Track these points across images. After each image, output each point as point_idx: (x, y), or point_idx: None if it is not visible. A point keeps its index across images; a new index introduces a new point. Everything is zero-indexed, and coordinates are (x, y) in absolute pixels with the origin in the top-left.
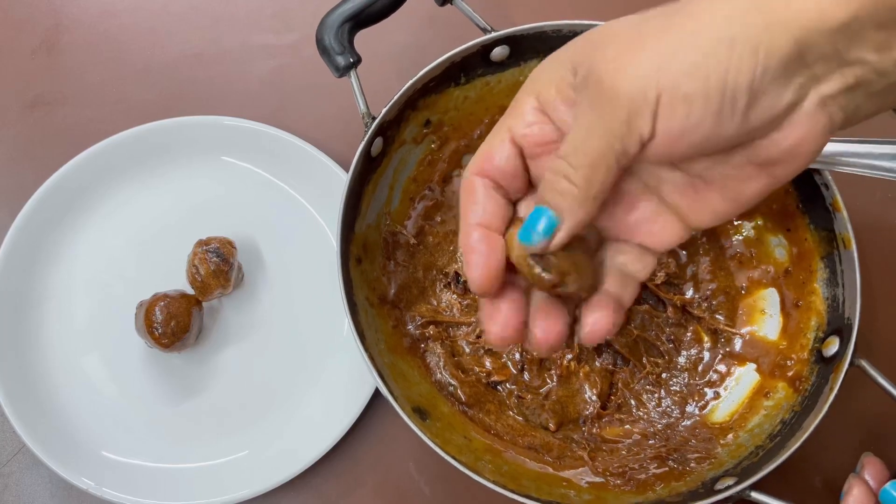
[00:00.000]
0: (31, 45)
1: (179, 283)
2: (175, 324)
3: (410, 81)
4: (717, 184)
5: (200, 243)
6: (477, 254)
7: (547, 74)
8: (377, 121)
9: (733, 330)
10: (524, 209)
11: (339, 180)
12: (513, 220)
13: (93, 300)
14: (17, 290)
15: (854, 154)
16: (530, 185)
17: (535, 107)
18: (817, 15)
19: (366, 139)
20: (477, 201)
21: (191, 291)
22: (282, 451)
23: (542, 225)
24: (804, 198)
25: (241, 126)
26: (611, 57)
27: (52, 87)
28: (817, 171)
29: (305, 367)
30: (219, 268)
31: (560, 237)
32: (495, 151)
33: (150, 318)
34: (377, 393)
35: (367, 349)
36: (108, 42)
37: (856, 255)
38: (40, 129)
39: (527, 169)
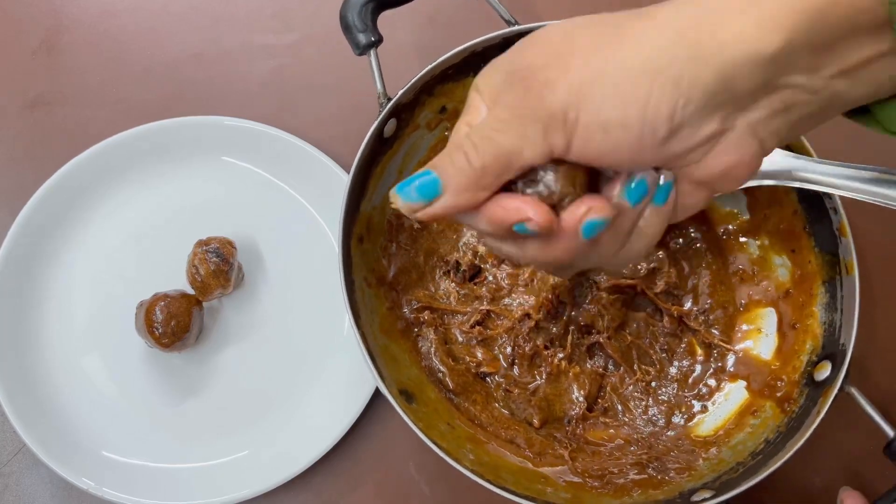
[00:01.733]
0: (31, 45)
1: (179, 283)
2: (175, 324)
3: (429, 66)
4: None
5: (200, 243)
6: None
7: (484, 80)
8: (392, 101)
9: (728, 346)
10: None
11: (340, 180)
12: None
13: (93, 300)
14: (17, 290)
15: (856, 178)
16: None
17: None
18: (747, 45)
19: (379, 119)
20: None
21: (191, 291)
22: (282, 451)
23: (424, 185)
24: (812, 220)
25: (241, 126)
26: (541, 65)
27: (52, 87)
28: (828, 195)
29: (305, 367)
30: (219, 268)
31: (434, 210)
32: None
33: (151, 317)
34: (377, 393)
35: (360, 328)
36: (108, 42)
37: (857, 282)
38: (40, 129)
39: None
